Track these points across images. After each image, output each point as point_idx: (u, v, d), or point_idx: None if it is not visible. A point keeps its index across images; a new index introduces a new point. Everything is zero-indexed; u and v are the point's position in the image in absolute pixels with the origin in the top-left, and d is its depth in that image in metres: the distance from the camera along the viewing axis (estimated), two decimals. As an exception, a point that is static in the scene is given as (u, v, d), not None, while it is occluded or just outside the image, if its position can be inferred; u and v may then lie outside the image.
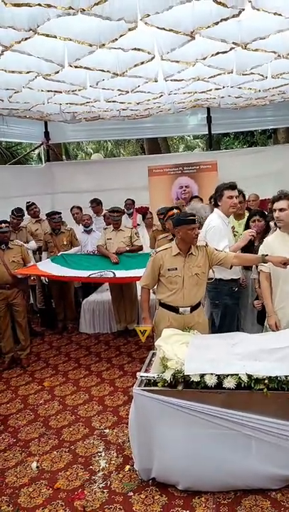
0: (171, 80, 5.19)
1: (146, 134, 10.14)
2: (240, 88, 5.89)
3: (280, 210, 3.23)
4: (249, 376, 2.50)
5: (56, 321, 6.16)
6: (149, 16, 3.16)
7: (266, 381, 2.49)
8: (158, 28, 3.45)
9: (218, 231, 3.67)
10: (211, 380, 2.52)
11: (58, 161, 9.66)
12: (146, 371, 2.87)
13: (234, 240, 3.96)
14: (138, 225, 7.11)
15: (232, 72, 4.86)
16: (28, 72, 4.53)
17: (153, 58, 4.23)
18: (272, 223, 3.92)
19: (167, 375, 2.61)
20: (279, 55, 4.43)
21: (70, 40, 3.67)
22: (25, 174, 8.35)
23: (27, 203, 6.56)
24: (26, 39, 3.57)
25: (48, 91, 5.38)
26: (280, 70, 5.12)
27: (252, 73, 5.02)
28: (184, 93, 6.08)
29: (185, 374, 2.57)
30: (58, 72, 4.46)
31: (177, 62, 4.42)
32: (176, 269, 3.31)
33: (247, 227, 4.17)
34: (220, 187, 3.85)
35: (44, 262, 5.59)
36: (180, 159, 8.47)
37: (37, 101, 5.96)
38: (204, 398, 2.54)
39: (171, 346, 2.81)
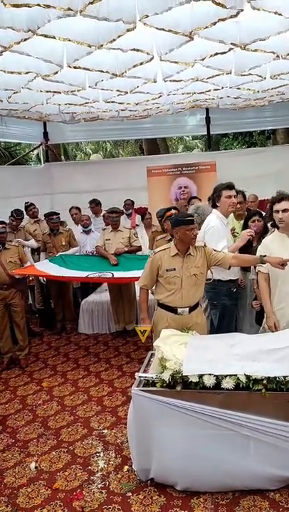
0: (170, 81, 5.20)
1: (145, 135, 10.12)
2: (239, 89, 5.91)
3: (284, 211, 3.20)
4: (247, 377, 2.50)
5: (55, 322, 6.16)
6: (148, 16, 3.18)
7: (265, 382, 2.49)
8: (157, 28, 3.46)
9: (217, 231, 3.67)
10: (209, 381, 2.52)
11: (56, 161, 9.67)
12: (144, 372, 2.87)
13: (233, 241, 3.96)
14: (137, 225, 7.10)
15: (231, 73, 4.87)
16: (27, 73, 4.54)
17: (152, 59, 4.24)
18: (269, 224, 3.91)
19: (166, 376, 2.61)
20: (278, 56, 4.44)
21: (69, 40, 3.68)
22: (24, 174, 8.35)
23: (26, 203, 6.55)
24: (25, 40, 3.58)
25: (47, 91, 5.39)
26: (279, 70, 5.14)
27: (251, 74, 5.03)
28: (183, 94, 6.09)
29: (183, 374, 2.58)
30: (56, 72, 4.48)
31: (176, 62, 4.43)
32: (174, 269, 3.31)
33: (246, 227, 4.17)
34: (218, 187, 3.85)
35: (42, 262, 5.59)
36: (179, 160, 8.46)
37: (36, 101, 5.96)
38: (203, 399, 2.54)
39: (170, 347, 2.81)
